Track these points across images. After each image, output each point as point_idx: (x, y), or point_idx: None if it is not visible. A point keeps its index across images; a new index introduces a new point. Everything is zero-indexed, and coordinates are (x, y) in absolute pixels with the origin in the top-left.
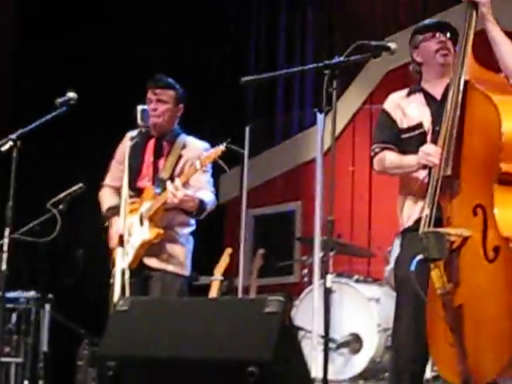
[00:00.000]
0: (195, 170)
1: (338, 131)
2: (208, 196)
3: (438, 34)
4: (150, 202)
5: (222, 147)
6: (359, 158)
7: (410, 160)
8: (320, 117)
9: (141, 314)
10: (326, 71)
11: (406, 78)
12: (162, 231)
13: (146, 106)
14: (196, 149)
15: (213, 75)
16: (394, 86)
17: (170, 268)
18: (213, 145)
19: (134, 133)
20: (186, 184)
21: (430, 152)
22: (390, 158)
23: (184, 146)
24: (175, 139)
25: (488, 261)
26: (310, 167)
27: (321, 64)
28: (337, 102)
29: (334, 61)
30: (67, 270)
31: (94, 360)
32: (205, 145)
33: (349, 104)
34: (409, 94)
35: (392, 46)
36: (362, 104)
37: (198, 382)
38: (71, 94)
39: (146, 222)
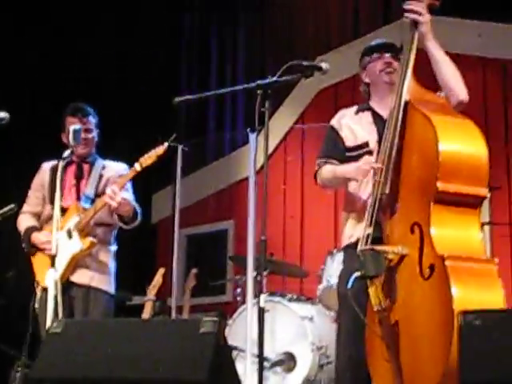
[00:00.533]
0: (135, 172)
1: (269, 150)
2: (137, 206)
3: (383, 55)
4: (78, 216)
5: (164, 145)
6: (291, 176)
7: (348, 169)
8: (252, 136)
9: (75, 336)
10: (259, 91)
11: (336, 97)
12: (95, 240)
13: (77, 126)
14: (116, 167)
15: (144, 96)
16: (325, 104)
17: (99, 285)
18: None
19: (65, 153)
20: (121, 189)
21: (360, 165)
22: (330, 168)
23: (104, 167)
24: (94, 161)
25: (424, 278)
26: (242, 186)
27: (253, 84)
28: (269, 122)
29: (266, 81)
30: None
31: (26, 383)
32: (123, 166)
33: (280, 123)
34: (357, 112)
35: (324, 65)
36: (294, 123)
37: None
38: (3, 114)
39: (76, 235)
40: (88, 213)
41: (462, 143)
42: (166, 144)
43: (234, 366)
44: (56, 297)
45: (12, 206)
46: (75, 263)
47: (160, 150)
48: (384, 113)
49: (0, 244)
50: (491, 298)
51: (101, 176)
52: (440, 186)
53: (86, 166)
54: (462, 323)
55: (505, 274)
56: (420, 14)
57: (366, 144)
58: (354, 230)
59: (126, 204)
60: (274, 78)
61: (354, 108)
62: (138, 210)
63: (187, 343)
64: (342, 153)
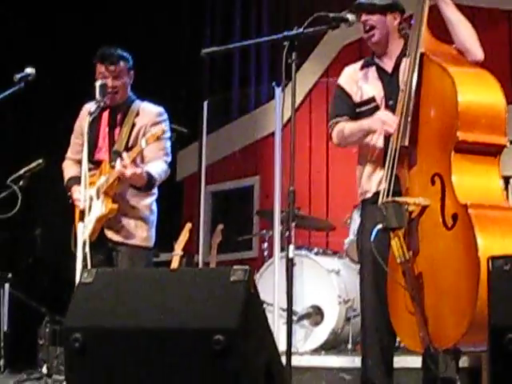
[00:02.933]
0: (141, 148)
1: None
2: (159, 168)
3: (360, 15)
4: (106, 175)
5: (162, 128)
6: (316, 132)
7: (365, 123)
8: (278, 90)
9: (106, 286)
10: (285, 43)
11: (361, 52)
12: (115, 206)
13: (103, 81)
14: (150, 114)
15: (169, 50)
16: (350, 59)
17: (133, 241)
18: (167, 111)
19: (92, 107)
20: (134, 160)
21: (386, 120)
22: (347, 125)
23: (137, 114)
24: (129, 107)
25: (447, 228)
26: (267, 142)
27: (280, 35)
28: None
29: (292, 32)
30: (26, 249)
31: (55, 338)
32: (159, 109)
33: (305, 79)
34: (362, 68)
35: (350, 17)
36: (319, 78)
37: (165, 352)
38: (29, 70)
39: (102, 196)
40: (111, 176)
41: (479, 93)
42: (165, 126)
43: (264, 314)
44: (84, 245)
45: (40, 161)
46: (102, 223)
47: (159, 131)
48: (388, 67)
49: (28, 201)
50: None
51: (133, 125)
52: (460, 135)
53: (120, 113)
54: (491, 268)
55: None
56: None
57: (373, 99)
58: (370, 185)
59: (138, 178)
60: (301, 30)
61: (359, 63)
62: (161, 170)
63: (217, 292)
64: (352, 109)
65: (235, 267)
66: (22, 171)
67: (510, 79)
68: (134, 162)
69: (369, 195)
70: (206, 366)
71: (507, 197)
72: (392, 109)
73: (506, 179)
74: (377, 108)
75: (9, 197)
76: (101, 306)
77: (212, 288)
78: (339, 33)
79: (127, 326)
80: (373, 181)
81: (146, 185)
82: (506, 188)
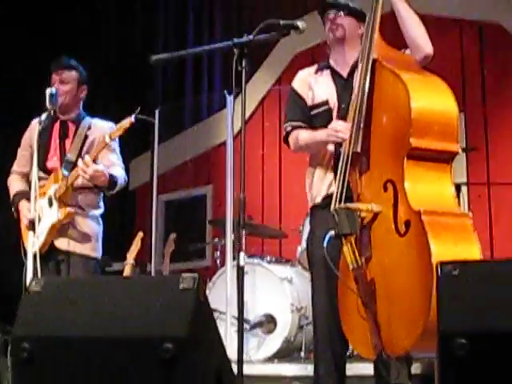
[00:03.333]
0: (104, 144)
1: (247, 114)
2: (118, 171)
3: (328, 13)
4: (58, 183)
5: (131, 118)
6: (269, 140)
7: (320, 136)
8: (230, 98)
9: (54, 294)
10: (236, 50)
11: (314, 60)
12: (72, 210)
13: (53, 89)
14: (102, 129)
15: (121, 56)
16: (302, 67)
17: (80, 250)
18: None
19: (43, 116)
20: (95, 160)
21: (339, 128)
22: (302, 136)
23: (89, 127)
24: (80, 121)
25: (399, 235)
26: (220, 151)
27: (230, 42)
28: (246, 84)
29: (243, 39)
30: None
31: (6, 349)
32: (110, 124)
33: (257, 87)
34: (316, 71)
35: (300, 24)
36: (271, 86)
37: (115, 360)
38: None
39: (55, 203)
40: (64, 182)
41: (432, 99)
42: (132, 117)
43: (214, 322)
44: (35, 257)
45: None
46: (56, 231)
47: (126, 123)
48: (343, 71)
49: None
50: (468, 251)
51: (86, 137)
52: (413, 141)
53: (71, 125)
54: (440, 273)
55: (482, 234)
56: None
57: (326, 102)
58: (320, 188)
59: (100, 175)
60: (251, 37)
61: (314, 67)
62: (121, 174)
63: (166, 300)
64: (306, 113)
65: (184, 275)
66: None
67: (461, 88)
68: (94, 161)
69: (319, 200)
70: (155, 375)
71: (459, 203)
72: (344, 112)
73: (457, 186)
74: (329, 111)
75: None
76: (49, 315)
77: (161, 296)
78: (291, 41)
79: (75, 334)
80: (323, 185)
81: (108, 184)
82: (458, 195)
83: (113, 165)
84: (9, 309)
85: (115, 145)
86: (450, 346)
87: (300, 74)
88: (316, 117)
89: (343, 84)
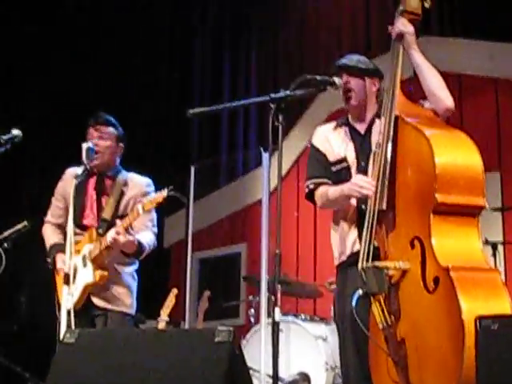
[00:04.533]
0: (138, 214)
1: (282, 172)
2: (148, 238)
3: (342, 76)
4: (93, 243)
5: (164, 193)
6: (303, 199)
7: (342, 191)
8: (265, 155)
9: (88, 346)
10: (272, 105)
11: None
12: (106, 273)
13: (90, 144)
14: (138, 185)
15: (158, 114)
16: None
17: (115, 308)
18: (155, 181)
19: (78, 171)
20: (127, 228)
21: (361, 184)
22: (326, 192)
23: (126, 183)
24: (116, 176)
25: (428, 292)
26: (255, 209)
27: (267, 97)
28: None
29: (279, 94)
30: (10, 314)
31: None
32: (147, 180)
33: (293, 145)
34: (335, 128)
35: (337, 80)
36: (307, 144)
37: None
38: (16, 132)
39: (89, 264)
40: (98, 244)
41: (456, 154)
42: (165, 192)
43: (249, 375)
44: (69, 313)
45: (25, 223)
46: (91, 289)
47: (159, 197)
48: (361, 128)
49: (12, 265)
50: (499, 306)
51: (122, 194)
52: (439, 197)
53: (108, 181)
54: (479, 328)
55: None
56: (404, 27)
57: (344, 159)
58: (345, 245)
59: (130, 245)
60: (288, 92)
61: (333, 123)
62: (150, 240)
63: (202, 353)
64: (328, 168)
65: (219, 328)
66: (6, 233)
67: (497, 147)
68: (126, 229)
69: (344, 258)
70: None
71: (495, 263)
72: (364, 170)
73: (494, 245)
74: (348, 168)
75: None
76: (83, 367)
77: (196, 349)
78: (328, 98)
79: None
80: (348, 241)
81: (135, 252)
82: (494, 254)
83: (145, 229)
84: (43, 363)
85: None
86: None
87: (319, 129)
88: (337, 173)
89: (361, 141)
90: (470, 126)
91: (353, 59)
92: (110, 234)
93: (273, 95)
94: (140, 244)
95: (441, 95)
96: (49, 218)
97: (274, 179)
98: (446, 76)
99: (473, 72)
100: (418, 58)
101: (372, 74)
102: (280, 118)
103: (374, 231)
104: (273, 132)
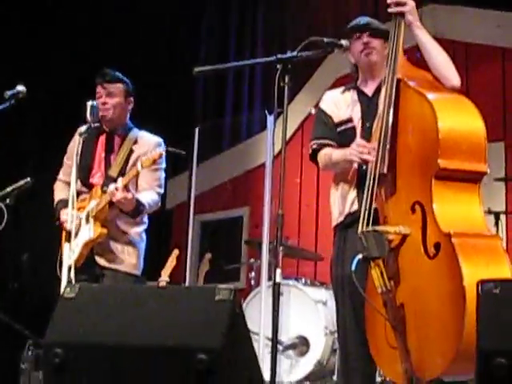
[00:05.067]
0: (137, 172)
1: (287, 136)
2: (149, 197)
3: (362, 35)
4: (97, 200)
5: (160, 149)
6: (306, 165)
7: (343, 155)
8: (270, 118)
9: (88, 301)
10: (278, 66)
11: None
12: (105, 230)
13: (94, 102)
14: (148, 144)
15: (162, 73)
16: None
17: (121, 267)
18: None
19: (82, 128)
20: (127, 185)
21: (360, 149)
22: (330, 154)
23: (136, 141)
24: (127, 134)
25: (429, 257)
26: (258, 173)
27: (273, 57)
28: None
29: (286, 55)
30: (12, 273)
31: (38, 363)
32: (158, 139)
33: (298, 110)
34: (343, 92)
35: (344, 42)
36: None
37: (147, 370)
38: (20, 88)
39: (91, 221)
40: (102, 200)
41: (460, 119)
42: (161, 149)
43: (249, 334)
44: (69, 269)
45: (27, 179)
46: (91, 246)
47: (156, 154)
48: (368, 90)
49: (15, 223)
50: (500, 272)
51: (131, 151)
52: (441, 162)
53: (117, 139)
54: (480, 292)
55: None
56: (403, 4)
57: (350, 120)
58: (344, 205)
59: (127, 203)
60: (295, 53)
61: (342, 88)
62: (152, 200)
63: (202, 310)
64: (334, 130)
65: (220, 286)
66: (8, 189)
67: (502, 117)
68: (126, 187)
69: (341, 218)
70: None
71: (497, 232)
72: (369, 131)
73: (497, 215)
74: (353, 129)
75: None
76: (83, 322)
77: (197, 306)
78: (334, 63)
79: (109, 342)
80: (346, 202)
81: (133, 211)
82: (497, 224)
83: (148, 188)
84: (43, 321)
85: (161, 163)
86: (488, 366)
87: (327, 94)
88: (340, 134)
89: (368, 103)
90: (476, 95)
91: (374, 21)
92: (109, 189)
93: (279, 55)
94: (139, 202)
95: (446, 74)
96: (60, 175)
97: (277, 144)
98: (452, 44)
99: (480, 41)
100: (422, 36)
101: (386, 37)
102: (286, 78)
103: (374, 195)
104: (278, 94)
